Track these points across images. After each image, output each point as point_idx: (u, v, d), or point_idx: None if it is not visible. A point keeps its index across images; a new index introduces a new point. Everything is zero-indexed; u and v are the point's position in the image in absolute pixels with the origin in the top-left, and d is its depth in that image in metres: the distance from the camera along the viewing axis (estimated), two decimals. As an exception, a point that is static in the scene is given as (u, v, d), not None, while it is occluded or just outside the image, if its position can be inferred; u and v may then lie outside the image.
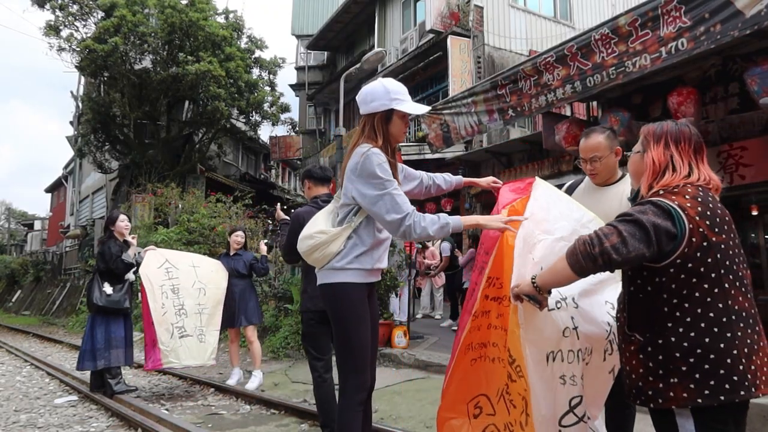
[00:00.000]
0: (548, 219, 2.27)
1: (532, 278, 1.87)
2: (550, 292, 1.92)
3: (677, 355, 1.64)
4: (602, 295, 2.21)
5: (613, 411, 2.58)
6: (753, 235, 8.12)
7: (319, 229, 2.42)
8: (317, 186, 3.65)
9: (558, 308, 2.13)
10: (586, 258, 1.66)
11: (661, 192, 1.75)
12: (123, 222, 5.54)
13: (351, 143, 2.47)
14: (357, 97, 2.46)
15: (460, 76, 12.00)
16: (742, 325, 1.64)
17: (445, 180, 2.81)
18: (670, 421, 1.69)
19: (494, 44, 12.61)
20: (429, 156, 11.39)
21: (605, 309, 2.19)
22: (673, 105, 6.23)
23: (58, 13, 16.03)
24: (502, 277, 2.24)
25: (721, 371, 1.59)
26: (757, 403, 2.93)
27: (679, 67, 6.69)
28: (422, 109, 2.48)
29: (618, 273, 2.06)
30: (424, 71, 13.61)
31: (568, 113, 9.65)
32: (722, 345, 1.61)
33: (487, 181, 2.74)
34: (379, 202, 2.26)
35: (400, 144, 3.29)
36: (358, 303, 2.41)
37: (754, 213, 7.93)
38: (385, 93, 2.37)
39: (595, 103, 8.33)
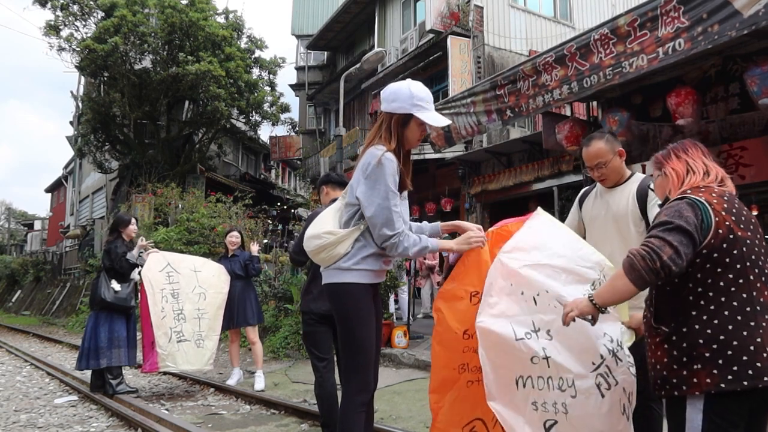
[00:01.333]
0: (538, 247, 2.26)
1: (590, 298, 1.90)
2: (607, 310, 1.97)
3: (701, 342, 1.69)
4: (599, 327, 2.10)
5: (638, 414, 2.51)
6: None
7: (327, 230, 2.40)
8: (335, 190, 3.60)
9: (527, 338, 2.12)
10: (649, 272, 1.69)
11: (689, 191, 1.85)
12: (133, 225, 5.63)
13: (367, 138, 2.46)
14: (382, 92, 2.45)
15: (460, 76, 12.00)
16: (766, 316, 1.69)
17: (422, 229, 2.64)
18: (681, 408, 1.74)
19: (494, 44, 12.60)
20: (429, 156, 11.38)
21: (599, 341, 2.11)
22: (672, 105, 6.23)
23: (58, 12, 16.04)
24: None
25: (744, 357, 1.64)
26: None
27: (679, 68, 6.69)
28: (442, 121, 2.45)
29: (616, 310, 2.15)
30: (424, 71, 13.60)
31: (569, 113, 9.65)
32: (745, 333, 1.66)
33: (466, 226, 2.49)
34: (377, 211, 2.28)
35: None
36: (363, 303, 2.40)
37: (754, 213, 7.94)
38: (408, 97, 2.35)
39: (595, 103, 8.33)
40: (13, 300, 25.12)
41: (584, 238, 2.70)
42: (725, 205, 1.77)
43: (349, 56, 19.06)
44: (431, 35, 12.73)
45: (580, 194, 3.04)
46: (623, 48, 4.98)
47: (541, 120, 8.01)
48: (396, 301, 8.68)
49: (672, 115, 6.29)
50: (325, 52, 21.23)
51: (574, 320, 1.96)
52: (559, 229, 2.44)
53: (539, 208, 2.52)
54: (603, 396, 2.07)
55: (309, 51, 21.39)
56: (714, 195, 1.79)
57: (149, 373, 5.88)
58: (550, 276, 2.18)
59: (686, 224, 1.70)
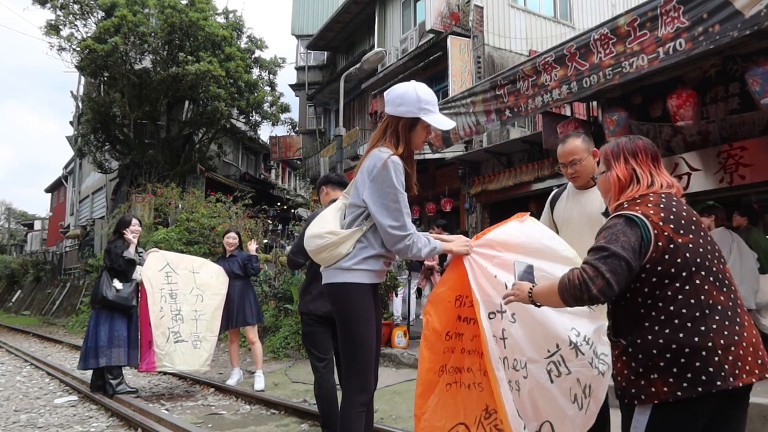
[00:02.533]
0: (518, 244, 2.40)
1: (529, 291, 2.01)
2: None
3: (654, 352, 1.71)
4: (568, 321, 2.29)
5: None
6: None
7: (329, 230, 2.40)
8: (335, 190, 3.60)
9: (491, 318, 2.31)
10: (576, 300, 1.78)
11: (626, 204, 1.86)
12: (136, 226, 5.61)
13: (371, 140, 2.47)
14: (386, 95, 2.43)
15: (460, 76, 11.99)
16: (717, 318, 1.70)
17: None
18: (629, 416, 1.78)
19: (494, 44, 12.59)
20: (429, 156, 11.37)
21: (563, 333, 2.26)
22: (672, 105, 6.24)
23: (58, 12, 16.04)
24: (471, 295, 2.37)
25: (697, 364, 1.66)
26: (756, 403, 2.93)
27: (679, 68, 6.69)
28: (449, 124, 2.46)
29: (598, 309, 2.24)
30: (424, 71, 13.60)
31: (569, 113, 9.65)
32: (696, 339, 1.68)
33: (453, 239, 2.47)
34: (388, 214, 2.29)
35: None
36: (364, 303, 2.40)
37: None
38: (416, 100, 2.34)
39: (595, 103, 8.33)
40: (13, 300, 25.12)
41: None
42: (662, 214, 1.77)
43: (349, 56, 19.06)
44: (431, 35, 12.72)
45: (551, 196, 3.07)
46: (623, 48, 4.97)
47: (541, 120, 8.01)
48: (404, 300, 8.68)
49: (673, 115, 6.29)
50: (325, 52, 21.23)
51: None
52: (540, 227, 2.55)
53: (527, 215, 2.59)
54: (552, 381, 2.24)
55: (309, 51, 21.39)
56: (650, 206, 1.79)
57: (146, 372, 5.88)
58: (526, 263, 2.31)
59: (622, 250, 1.71)
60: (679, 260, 1.73)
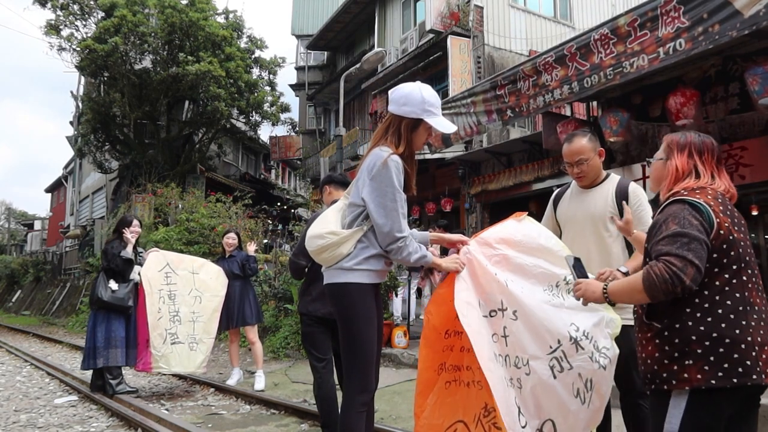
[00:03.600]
0: (517, 242, 2.42)
1: (604, 290, 1.94)
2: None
3: (693, 338, 1.72)
4: (567, 316, 2.31)
5: None
6: (753, 235, 8.13)
7: (330, 230, 2.40)
8: (338, 190, 3.58)
9: (492, 316, 2.31)
10: (668, 294, 1.70)
11: (684, 192, 1.84)
12: (136, 227, 5.61)
13: (373, 139, 2.48)
14: (390, 94, 2.44)
15: (460, 76, 11.99)
16: (755, 316, 1.73)
17: (413, 236, 2.62)
18: (665, 402, 1.77)
19: (494, 44, 12.59)
20: (429, 156, 11.37)
21: (563, 329, 2.28)
22: (672, 105, 6.24)
23: (59, 12, 16.04)
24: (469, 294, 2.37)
25: (735, 356, 1.67)
26: (757, 403, 2.93)
27: (679, 68, 6.69)
28: (451, 127, 2.48)
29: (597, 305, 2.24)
30: (424, 71, 13.59)
31: (569, 113, 9.65)
32: (737, 332, 1.69)
33: (453, 239, 2.55)
34: (385, 213, 2.29)
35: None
36: (365, 304, 2.39)
37: (754, 213, 7.93)
38: (420, 102, 2.36)
39: (595, 103, 8.33)
40: (13, 300, 25.11)
41: (560, 238, 2.77)
42: (721, 208, 1.79)
43: (349, 56, 19.06)
44: (431, 35, 12.72)
45: (554, 195, 3.06)
46: (623, 48, 4.98)
47: (542, 120, 8.01)
48: (404, 300, 8.68)
49: (673, 115, 6.29)
50: (325, 52, 21.22)
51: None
52: (537, 227, 2.57)
53: (524, 214, 2.60)
54: (555, 377, 2.26)
55: (309, 51, 21.38)
56: (710, 197, 1.80)
57: (144, 371, 5.86)
58: (524, 263, 2.37)
59: (699, 233, 1.71)
60: (733, 253, 1.75)
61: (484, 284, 2.35)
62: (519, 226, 2.52)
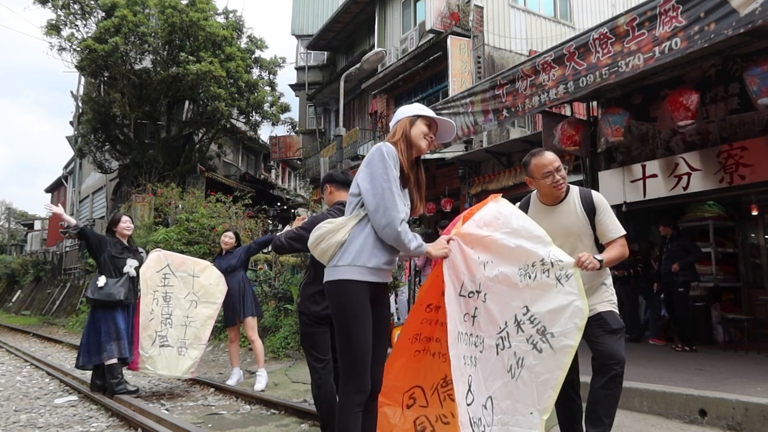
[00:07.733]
0: (500, 225, 2.53)
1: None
2: None
3: None
4: (529, 297, 2.40)
5: (561, 406, 2.79)
6: (753, 235, 8.12)
7: (328, 221, 2.51)
8: (339, 190, 3.53)
9: (469, 297, 2.52)
10: None
11: None
12: (125, 223, 5.62)
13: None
14: (392, 122, 2.66)
15: (460, 76, 11.99)
16: None
17: None
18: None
19: (494, 44, 12.59)
20: (429, 156, 11.37)
21: (514, 311, 2.42)
22: (672, 105, 6.24)
23: (59, 12, 16.04)
24: (457, 275, 2.58)
25: None
26: (757, 403, 2.92)
27: (679, 67, 6.70)
28: (442, 118, 2.65)
29: (576, 288, 2.35)
30: (424, 71, 13.60)
31: (569, 113, 9.65)
32: None
33: (441, 243, 2.62)
34: (376, 193, 2.34)
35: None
36: (358, 302, 2.38)
37: (754, 213, 7.92)
38: (412, 108, 2.62)
39: (595, 103, 8.33)
40: (13, 300, 25.12)
41: None
42: None
43: (349, 56, 19.05)
44: (431, 35, 12.72)
45: (518, 206, 3.06)
46: (621, 47, 4.98)
47: (542, 120, 8.01)
48: (396, 301, 8.68)
49: (671, 115, 6.29)
50: (325, 52, 21.21)
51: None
52: (511, 208, 2.67)
53: (499, 196, 2.74)
54: (497, 354, 2.44)
55: (309, 51, 21.37)
56: None
57: (130, 370, 5.84)
58: (507, 244, 2.48)
59: None
60: None
61: (468, 265, 2.53)
62: (498, 207, 2.64)
